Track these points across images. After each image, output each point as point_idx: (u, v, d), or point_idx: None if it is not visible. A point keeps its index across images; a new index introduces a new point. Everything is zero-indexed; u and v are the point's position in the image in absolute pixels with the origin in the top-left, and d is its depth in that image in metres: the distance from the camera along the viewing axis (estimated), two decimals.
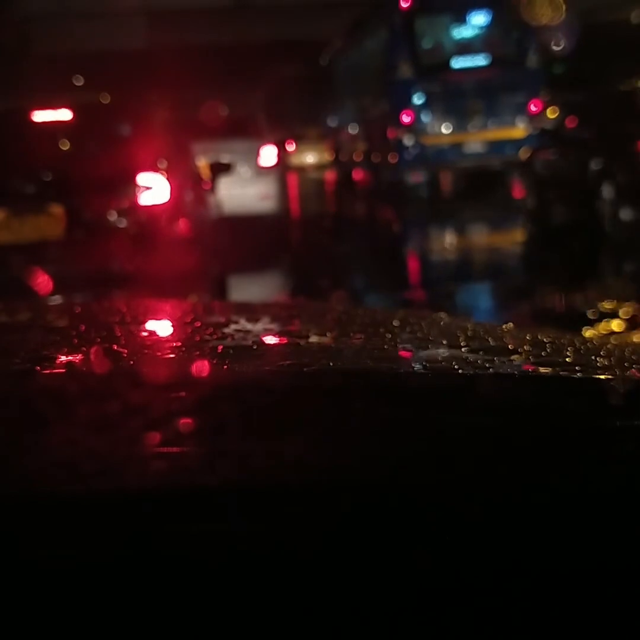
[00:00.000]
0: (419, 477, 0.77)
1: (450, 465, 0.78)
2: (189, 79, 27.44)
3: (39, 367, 1.03)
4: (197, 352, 1.16)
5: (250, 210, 12.85)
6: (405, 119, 18.17)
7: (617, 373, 1.02)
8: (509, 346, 1.19)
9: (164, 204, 7.24)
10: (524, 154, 13.40)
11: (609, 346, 1.24)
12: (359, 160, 21.65)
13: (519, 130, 16.71)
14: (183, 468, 0.79)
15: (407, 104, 18.15)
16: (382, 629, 0.71)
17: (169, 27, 28.21)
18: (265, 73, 30.40)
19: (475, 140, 17.78)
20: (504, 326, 1.42)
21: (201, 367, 1.02)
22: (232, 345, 1.18)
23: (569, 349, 1.19)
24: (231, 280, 9.05)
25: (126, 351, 1.15)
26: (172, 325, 1.56)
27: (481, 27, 18.71)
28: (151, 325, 1.56)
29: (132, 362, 1.11)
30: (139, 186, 7.26)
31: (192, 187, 8.46)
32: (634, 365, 1.07)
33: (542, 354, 1.15)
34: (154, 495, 0.77)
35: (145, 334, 1.44)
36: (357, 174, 21.48)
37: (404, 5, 18.21)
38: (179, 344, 1.29)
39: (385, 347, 1.20)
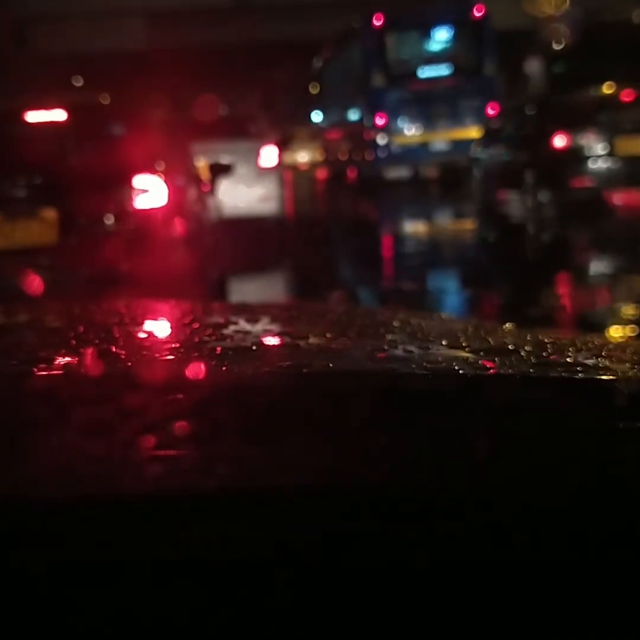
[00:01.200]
0: (419, 478, 0.77)
1: (451, 467, 0.77)
2: (187, 79, 27.26)
3: (35, 369, 1.02)
4: (196, 354, 1.15)
5: (251, 212, 12.53)
6: (379, 121, 20.60)
7: (619, 374, 1.01)
8: (510, 347, 1.18)
9: (161, 207, 6.94)
10: (474, 150, 15.95)
11: (610, 347, 1.24)
12: (344, 159, 23.65)
13: (477, 130, 18.35)
14: (180, 471, 0.78)
15: (380, 108, 20.61)
16: (381, 631, 0.71)
17: (167, 27, 27.94)
18: (263, 74, 30.80)
19: (440, 140, 20.15)
20: (504, 326, 1.42)
21: (199, 369, 1.02)
22: (231, 347, 1.16)
23: (570, 349, 1.18)
24: (231, 282, 8.90)
25: (124, 353, 1.15)
26: (171, 327, 1.54)
27: (444, 42, 21.22)
28: (149, 326, 1.54)
29: (130, 364, 1.10)
30: (135, 189, 6.91)
31: (190, 190, 8.14)
32: (635, 366, 1.06)
33: (543, 354, 1.14)
34: (151, 499, 0.76)
35: (143, 335, 1.43)
36: (343, 171, 23.19)
37: (376, 23, 20.81)
38: (178, 345, 1.27)
39: (386, 348, 1.19)
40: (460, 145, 19.03)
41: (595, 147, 12.33)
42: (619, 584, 0.71)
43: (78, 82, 26.27)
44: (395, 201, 18.01)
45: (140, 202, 6.87)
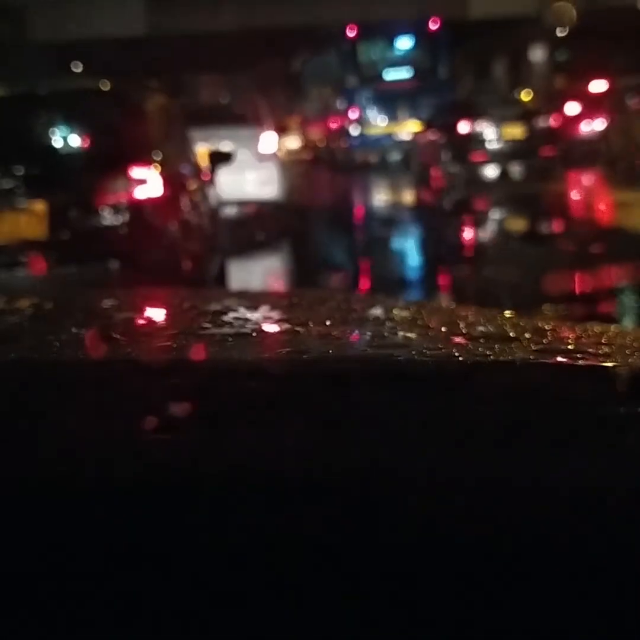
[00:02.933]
0: (419, 464, 0.75)
1: (451, 453, 0.76)
2: (187, 65, 28.17)
3: (36, 354, 1.02)
4: (196, 340, 1.13)
5: (251, 197, 12.28)
6: (352, 115, 24.88)
7: (620, 360, 1.00)
8: (510, 333, 1.17)
9: (158, 197, 6.23)
10: (420, 138, 20.65)
11: (610, 334, 1.21)
12: (323, 146, 27.24)
13: (420, 124, 22.44)
14: (180, 456, 0.77)
15: (353, 103, 24.92)
16: (382, 619, 0.69)
17: (168, 13, 26.65)
18: (263, 61, 31.26)
19: (402, 131, 24.11)
20: (504, 313, 1.42)
21: (199, 354, 1.02)
22: (230, 333, 1.15)
23: (570, 336, 1.18)
24: (231, 265, 8.58)
25: (124, 338, 1.13)
26: (171, 313, 1.52)
27: (406, 50, 25.63)
28: (150, 312, 1.53)
29: (129, 350, 1.09)
30: (131, 179, 6.18)
31: (189, 179, 7.38)
32: (635, 353, 1.06)
33: (543, 341, 1.12)
34: (150, 483, 0.75)
35: (143, 321, 1.41)
36: (322, 156, 26.44)
37: (350, 34, 25.28)
38: (177, 331, 1.26)
39: (385, 334, 1.16)
40: (417, 135, 22.78)
41: (488, 132, 17.27)
42: (619, 570, 0.68)
43: (77, 68, 25.89)
44: (365, 179, 20.32)
45: (137, 193, 6.11)
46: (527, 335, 1.17)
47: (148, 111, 7.14)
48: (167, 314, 1.55)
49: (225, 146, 10.17)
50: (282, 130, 20.24)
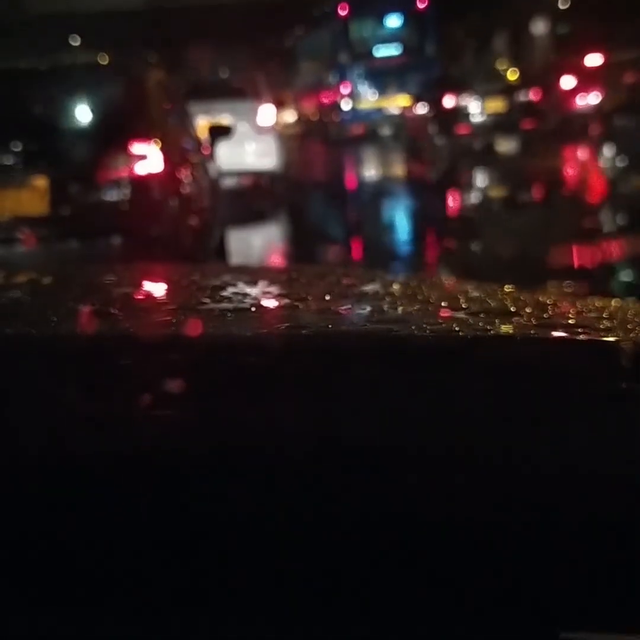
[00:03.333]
0: (419, 438, 0.75)
1: (450, 427, 0.75)
2: (186, 39, 27.62)
3: (34, 331, 1.00)
4: (195, 315, 1.10)
5: (250, 168, 12.37)
6: (344, 90, 25.25)
7: (621, 335, 0.98)
8: (511, 308, 1.14)
9: (159, 173, 6.03)
10: (408, 112, 21.42)
11: (611, 309, 1.17)
12: (316, 120, 27.68)
13: (410, 99, 23.05)
14: (178, 431, 0.76)
15: (344, 79, 25.32)
16: (377, 593, 0.69)
17: None
18: (261, 36, 31.23)
19: (390, 105, 24.53)
20: (505, 288, 1.37)
21: (198, 330, 1.00)
22: (229, 308, 1.12)
23: (571, 311, 1.15)
24: (232, 234, 8.55)
25: (122, 314, 1.11)
26: (170, 288, 1.49)
27: (395, 28, 25.98)
28: (148, 288, 1.49)
29: (127, 325, 1.06)
30: (132, 155, 5.96)
31: (189, 154, 7.23)
32: (637, 328, 1.03)
33: (544, 316, 1.11)
34: (148, 459, 0.74)
35: (141, 296, 1.37)
36: (316, 129, 26.77)
37: (341, 13, 25.64)
38: (176, 306, 1.23)
39: (385, 309, 1.14)
40: (405, 109, 23.43)
41: (472, 106, 18.04)
42: (617, 542, 0.68)
43: (75, 41, 25.56)
44: (357, 151, 20.56)
45: (138, 169, 5.93)
46: (527, 310, 1.14)
47: (148, 86, 6.88)
48: (165, 290, 1.51)
49: (224, 119, 10.18)
50: (279, 104, 20.10)
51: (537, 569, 0.71)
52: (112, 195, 5.88)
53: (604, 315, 1.12)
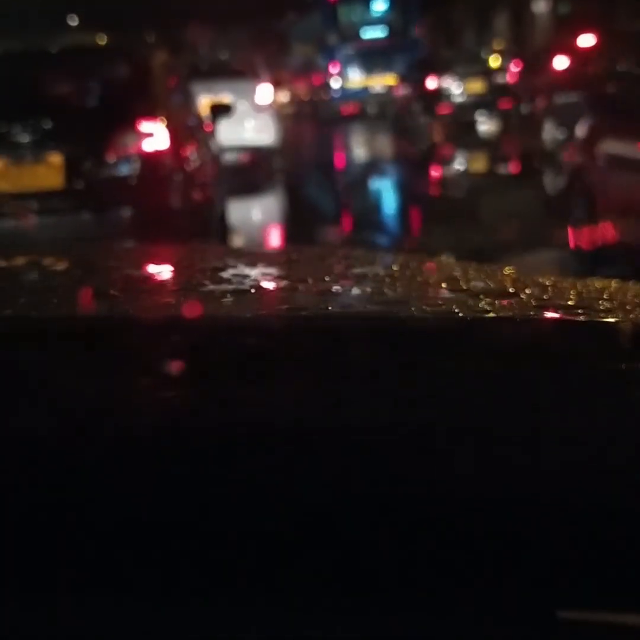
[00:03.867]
0: (418, 420, 0.73)
1: (450, 409, 0.74)
2: (186, 20, 27.32)
3: (34, 312, 0.98)
4: (194, 296, 1.08)
5: (249, 143, 12.65)
6: (333, 70, 25.84)
7: (621, 316, 0.96)
8: (510, 289, 1.11)
9: (164, 150, 6.34)
10: (394, 91, 22.07)
11: (611, 289, 1.15)
12: (308, 99, 28.42)
13: (397, 79, 23.78)
14: (178, 412, 0.74)
15: (334, 60, 25.93)
16: (374, 573, 0.68)
17: None
18: (260, 20, 32.20)
19: (377, 84, 25.22)
20: (504, 269, 1.35)
21: (197, 311, 0.97)
22: (229, 290, 1.09)
23: (571, 292, 1.11)
24: (232, 205, 8.71)
25: (122, 295, 1.08)
26: (169, 270, 1.45)
27: (381, 11, 26.63)
28: (148, 269, 1.45)
29: (127, 306, 1.04)
30: (140, 133, 6.26)
31: (192, 131, 7.49)
32: (637, 308, 1.00)
33: (544, 297, 1.08)
34: (148, 440, 0.73)
35: (141, 278, 1.34)
36: (307, 107, 27.67)
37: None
38: (176, 288, 1.22)
39: (385, 290, 1.11)
40: (391, 88, 24.20)
41: (453, 87, 18.80)
42: (618, 522, 0.67)
43: (73, 21, 25.51)
44: (346, 127, 21.25)
45: (146, 146, 6.23)
46: (527, 291, 1.11)
47: (153, 67, 7.04)
48: (165, 271, 1.46)
49: (225, 98, 10.41)
50: (276, 83, 20.22)
51: (534, 548, 0.68)
52: (122, 170, 6.19)
53: (603, 296, 1.09)
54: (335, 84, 26.11)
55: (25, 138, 6.16)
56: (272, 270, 1.42)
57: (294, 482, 0.72)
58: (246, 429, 0.74)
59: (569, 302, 1.04)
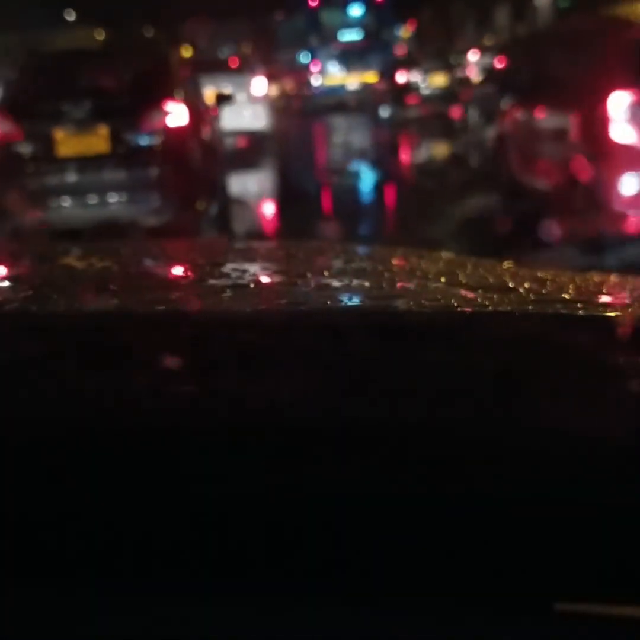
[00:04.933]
0: (417, 415, 0.71)
1: (449, 403, 0.72)
2: (182, 13, 27.62)
3: (34, 307, 0.95)
4: (193, 291, 1.07)
5: (246, 128, 13.98)
6: (314, 68, 27.49)
7: (619, 309, 0.94)
8: (509, 284, 1.09)
9: (184, 125, 7.74)
10: (379, 85, 23.33)
11: (609, 283, 1.13)
12: (294, 94, 29.54)
13: (375, 76, 25.71)
14: (177, 407, 0.72)
15: (315, 59, 27.59)
16: (373, 565, 0.66)
17: None
18: (255, 16, 32.75)
19: (354, 81, 26.80)
20: (503, 264, 1.32)
21: (196, 306, 0.96)
22: (228, 285, 1.06)
23: (569, 286, 1.09)
24: (232, 177, 10.09)
25: (122, 291, 1.06)
26: (169, 265, 1.43)
27: (357, 16, 28.20)
28: (148, 265, 1.43)
29: (127, 301, 1.01)
30: (165, 111, 7.66)
31: (202, 114, 8.70)
32: (635, 302, 0.99)
33: (543, 291, 1.06)
34: (147, 435, 0.70)
35: (141, 273, 1.32)
36: (292, 100, 28.73)
37: (312, 4, 28.00)
38: (176, 283, 1.19)
39: (384, 285, 1.09)
40: (366, 85, 25.94)
41: (420, 80, 20.71)
42: (615, 516, 0.65)
43: (70, 16, 26.36)
44: (326, 118, 22.53)
45: (169, 122, 7.66)
46: (526, 285, 1.08)
47: (174, 60, 8.53)
48: (165, 266, 1.42)
49: (226, 89, 11.40)
50: (270, 77, 21.21)
51: (533, 540, 0.65)
52: (152, 140, 7.67)
53: (602, 290, 1.05)
54: (316, 81, 27.79)
55: (80, 115, 7.59)
56: (271, 265, 1.37)
57: (293, 476, 0.68)
58: (245, 423, 0.70)
59: (568, 296, 0.99)
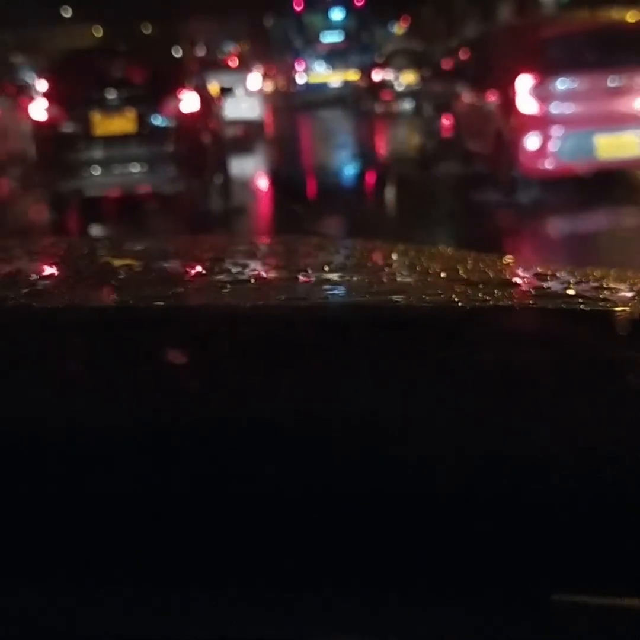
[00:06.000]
0: (418, 409, 0.70)
1: (450, 398, 0.70)
2: (178, 10, 27.76)
3: (34, 303, 0.93)
4: (194, 286, 1.05)
5: (243, 118, 15.36)
6: (299, 68, 28.94)
7: (620, 304, 0.89)
8: (510, 279, 1.08)
9: (196, 111, 9.22)
10: (359, 83, 24.12)
11: (611, 278, 1.08)
12: (283, 91, 30.69)
13: (357, 74, 26.65)
14: (177, 403, 0.71)
15: (300, 59, 29.06)
16: (371, 558, 0.65)
17: None
18: (251, 16, 33.91)
19: (336, 80, 28.33)
20: (504, 259, 1.31)
21: (197, 301, 0.94)
22: (228, 280, 1.03)
23: (570, 281, 1.06)
24: (232, 156, 11.43)
25: (122, 286, 1.04)
26: (170, 260, 1.38)
27: (338, 20, 29.92)
28: (149, 260, 1.37)
29: (128, 297, 0.99)
30: (180, 98, 9.13)
31: (210, 102, 10.08)
32: (636, 297, 0.97)
33: (543, 286, 1.03)
34: (148, 430, 0.69)
35: (142, 268, 1.26)
36: (281, 96, 29.69)
37: (297, 8, 29.52)
38: (176, 278, 1.15)
39: (384, 280, 1.06)
40: (347, 83, 27.36)
41: (392, 78, 22.52)
42: (613, 507, 0.64)
43: (66, 13, 25.95)
44: (310, 112, 23.86)
45: (183, 107, 9.13)
46: (527, 280, 1.07)
47: (187, 56, 10.19)
48: (165, 261, 1.35)
49: (226, 84, 12.36)
50: (264, 74, 22.86)
51: (530, 530, 0.65)
52: (169, 122, 9.05)
53: (603, 285, 1.02)
54: (300, 79, 29.34)
55: (112, 102, 9.04)
56: (271, 260, 1.36)
57: (293, 470, 0.67)
58: (246, 418, 0.69)
59: (568, 291, 0.98)
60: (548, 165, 8.06)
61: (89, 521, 0.67)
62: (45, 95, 9.35)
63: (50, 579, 0.65)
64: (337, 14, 30.42)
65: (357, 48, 28.87)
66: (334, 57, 29.19)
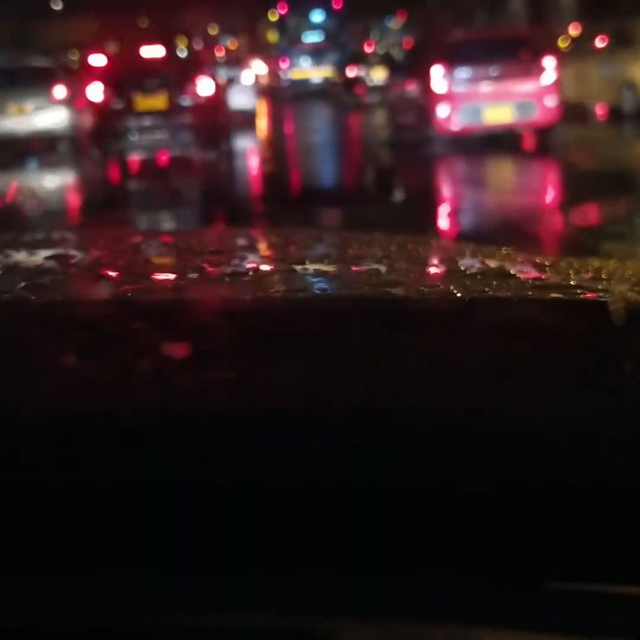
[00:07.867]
0: (416, 400, 0.70)
1: (448, 389, 0.70)
2: (183, 6, 26.85)
3: (34, 295, 0.93)
4: (193, 279, 1.03)
5: (239, 107, 17.10)
6: (283, 65, 31.52)
7: (618, 295, 0.88)
8: (508, 269, 1.06)
9: (211, 95, 12.00)
10: (332, 80, 27.08)
11: (609, 269, 1.09)
12: (272, 85, 33.00)
13: (334, 71, 29.32)
14: (177, 395, 0.71)
15: (284, 57, 31.59)
16: (370, 544, 0.65)
17: None
18: (254, 15, 35.75)
19: (316, 76, 31.00)
20: (502, 250, 1.29)
21: (196, 293, 0.94)
22: (227, 272, 1.04)
23: (569, 271, 1.06)
24: (234, 135, 13.84)
25: (121, 278, 1.04)
26: (169, 252, 1.38)
27: (319, 22, 32.55)
28: (148, 251, 1.38)
29: (126, 289, 0.97)
30: (200, 85, 11.89)
31: (220, 88, 12.60)
32: (634, 287, 0.95)
33: (542, 276, 1.02)
34: (148, 422, 0.69)
35: (141, 260, 1.28)
36: (268, 90, 30.68)
37: (281, 12, 32.02)
38: (175, 270, 1.15)
39: (382, 271, 1.05)
40: (327, 78, 30.01)
41: (365, 74, 24.94)
42: (608, 497, 0.64)
43: (57, 6, 26.06)
44: (294, 104, 25.91)
45: (202, 91, 11.93)
46: (525, 271, 1.06)
47: (203, 48, 13.73)
48: (164, 254, 1.36)
49: (230, 77, 15.57)
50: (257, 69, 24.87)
51: (525, 518, 0.65)
52: (191, 102, 11.93)
53: (601, 276, 1.02)
54: (284, 74, 31.87)
55: (149, 85, 11.94)
56: (270, 253, 1.36)
57: (293, 459, 0.67)
58: (246, 409, 0.69)
59: (567, 282, 0.96)
60: (453, 127, 12.05)
61: (84, 512, 0.66)
62: (101, 80, 12.24)
63: (43, 569, 0.64)
64: (318, 17, 33.13)
65: (336, 47, 31.51)
66: (317, 55, 31.85)
